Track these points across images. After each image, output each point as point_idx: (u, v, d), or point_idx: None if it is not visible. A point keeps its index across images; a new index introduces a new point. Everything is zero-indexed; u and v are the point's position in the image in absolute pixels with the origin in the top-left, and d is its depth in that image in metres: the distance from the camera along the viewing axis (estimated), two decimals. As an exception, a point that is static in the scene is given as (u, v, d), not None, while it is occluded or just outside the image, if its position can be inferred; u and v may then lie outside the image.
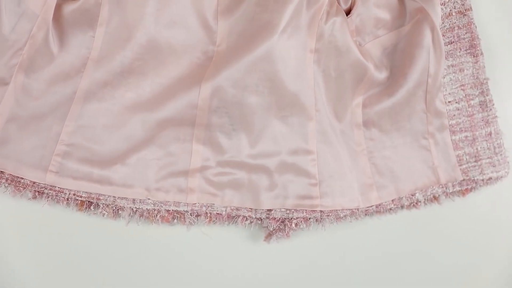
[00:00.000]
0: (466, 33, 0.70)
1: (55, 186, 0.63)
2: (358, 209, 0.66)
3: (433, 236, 0.69)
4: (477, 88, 0.70)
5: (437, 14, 0.68)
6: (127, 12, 0.66)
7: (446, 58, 0.70)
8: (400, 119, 0.69)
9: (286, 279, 0.67)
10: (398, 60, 0.69)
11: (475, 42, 0.70)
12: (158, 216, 0.65)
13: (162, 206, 0.64)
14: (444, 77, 0.70)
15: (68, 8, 0.66)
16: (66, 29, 0.66)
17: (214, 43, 0.68)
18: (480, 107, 0.70)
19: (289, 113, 0.66)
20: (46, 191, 0.63)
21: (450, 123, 0.70)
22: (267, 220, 0.65)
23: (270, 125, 0.66)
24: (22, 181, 0.63)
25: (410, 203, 0.69)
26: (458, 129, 0.70)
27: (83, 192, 0.63)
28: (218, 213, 0.65)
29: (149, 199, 0.64)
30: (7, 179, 0.63)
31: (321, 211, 0.65)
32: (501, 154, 0.68)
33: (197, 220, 0.66)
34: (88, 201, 0.64)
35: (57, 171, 0.63)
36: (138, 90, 0.67)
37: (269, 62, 0.65)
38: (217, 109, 0.66)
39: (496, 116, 0.69)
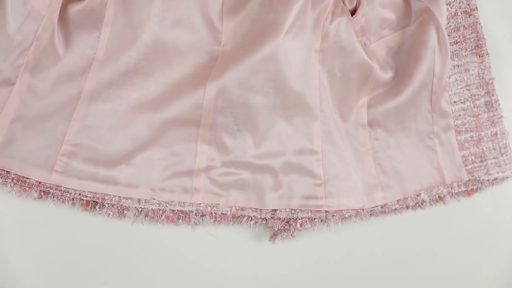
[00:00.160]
0: (471, 33, 0.70)
1: (61, 186, 0.63)
2: (363, 209, 0.66)
3: (438, 237, 0.69)
4: (482, 88, 0.70)
5: (442, 14, 0.68)
6: (133, 12, 0.66)
7: (451, 58, 0.70)
8: (406, 119, 0.69)
9: (291, 279, 0.67)
10: (403, 60, 0.69)
11: (480, 42, 0.70)
12: (163, 216, 0.65)
13: (167, 206, 0.64)
14: (449, 77, 0.70)
15: (74, 9, 0.66)
16: (71, 29, 0.67)
17: (219, 43, 0.69)
18: (486, 107, 0.69)
19: (294, 113, 0.66)
20: (51, 191, 0.63)
21: (455, 123, 0.70)
22: (272, 220, 0.65)
23: (275, 125, 0.66)
24: (28, 181, 0.63)
25: (415, 204, 0.69)
26: (464, 129, 0.69)
27: (88, 192, 0.64)
28: (223, 213, 0.66)
29: (154, 199, 0.64)
30: (13, 179, 0.63)
31: (326, 211, 0.65)
32: (507, 155, 0.68)
33: (202, 220, 0.66)
34: (94, 201, 0.65)
35: (63, 171, 0.63)
36: (143, 90, 0.67)
37: (274, 62, 0.65)
38: (222, 109, 0.66)
39: (502, 116, 0.69)
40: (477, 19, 0.70)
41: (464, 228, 0.69)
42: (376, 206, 0.67)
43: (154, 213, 0.65)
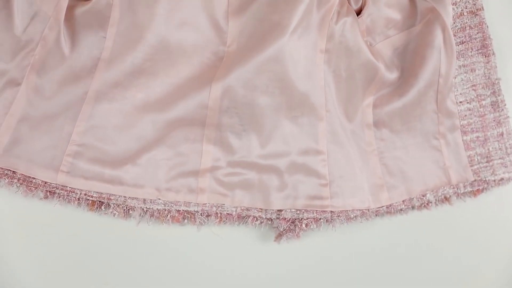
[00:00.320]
0: (477, 33, 0.70)
1: (67, 186, 0.63)
2: (368, 210, 0.66)
3: (444, 237, 0.69)
4: (488, 88, 0.70)
5: (448, 14, 0.68)
6: (138, 13, 0.67)
7: (457, 58, 0.70)
8: (411, 120, 0.69)
9: (296, 280, 0.67)
10: (409, 60, 0.69)
11: (486, 42, 0.70)
12: (169, 216, 0.65)
13: (172, 206, 0.65)
14: (455, 77, 0.70)
15: (80, 9, 0.67)
16: (77, 30, 0.67)
17: (225, 43, 0.69)
18: (492, 107, 0.69)
19: (299, 113, 0.66)
20: (57, 191, 0.64)
21: (461, 123, 0.69)
22: (277, 220, 0.65)
23: (280, 126, 0.66)
24: (34, 181, 0.63)
25: (421, 204, 0.69)
26: (470, 129, 0.69)
27: (94, 192, 0.64)
28: (228, 213, 0.66)
29: (159, 199, 0.64)
30: (19, 179, 0.63)
31: (331, 211, 0.65)
32: (513, 155, 0.68)
33: (208, 220, 0.66)
34: (99, 201, 0.65)
35: (68, 171, 0.63)
36: (149, 90, 0.67)
37: (279, 62, 0.65)
38: (227, 109, 0.66)
39: (508, 117, 0.69)
40: (483, 19, 0.70)
41: (470, 228, 0.69)
42: (382, 207, 0.67)
43: (159, 213, 0.65)
